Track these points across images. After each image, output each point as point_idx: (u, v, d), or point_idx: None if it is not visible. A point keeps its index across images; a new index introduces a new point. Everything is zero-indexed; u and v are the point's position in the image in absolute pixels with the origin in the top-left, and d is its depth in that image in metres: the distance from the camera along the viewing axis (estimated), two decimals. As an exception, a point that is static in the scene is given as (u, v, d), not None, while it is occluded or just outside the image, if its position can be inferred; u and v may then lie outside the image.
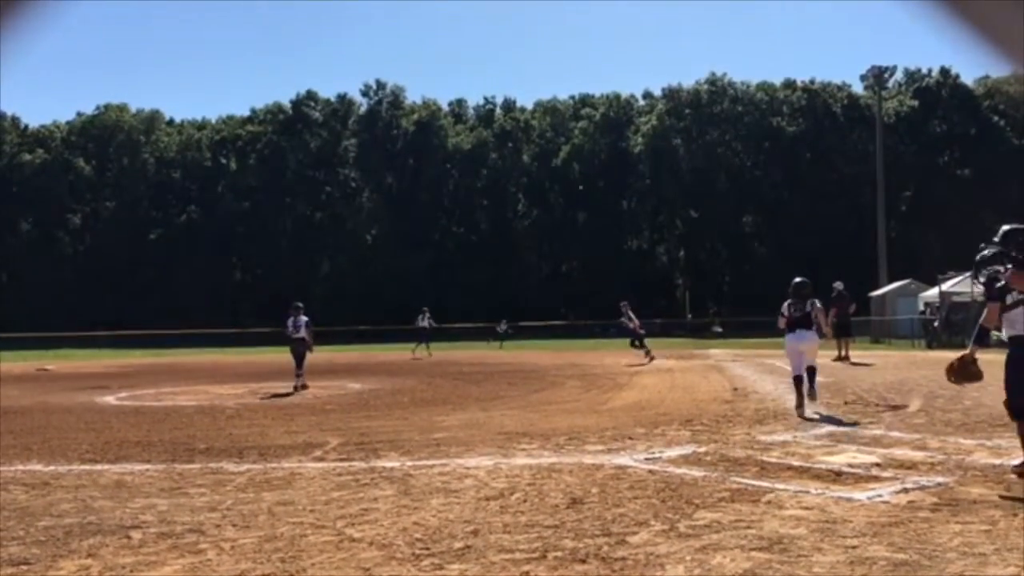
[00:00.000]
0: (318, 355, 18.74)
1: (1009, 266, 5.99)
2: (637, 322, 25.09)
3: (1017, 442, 8.02)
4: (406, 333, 48.65)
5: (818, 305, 11.55)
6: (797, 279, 11.69)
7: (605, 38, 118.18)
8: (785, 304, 11.48)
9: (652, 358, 23.50)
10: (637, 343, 24.74)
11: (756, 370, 19.37)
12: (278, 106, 73.37)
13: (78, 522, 5.39)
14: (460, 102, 76.58)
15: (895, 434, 8.51)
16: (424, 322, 33.55)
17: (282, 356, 19.03)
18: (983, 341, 6.31)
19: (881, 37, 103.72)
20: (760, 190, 65.95)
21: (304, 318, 17.38)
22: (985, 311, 5.97)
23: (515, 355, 29.90)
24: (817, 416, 10.45)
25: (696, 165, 66.62)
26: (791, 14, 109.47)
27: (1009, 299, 5.69)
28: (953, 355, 6.34)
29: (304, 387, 16.61)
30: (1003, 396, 6.22)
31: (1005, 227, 6.06)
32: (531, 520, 5.21)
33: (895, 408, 11.22)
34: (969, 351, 6.16)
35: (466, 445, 8.55)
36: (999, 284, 6.05)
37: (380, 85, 73.35)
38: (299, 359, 17.02)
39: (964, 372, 6.09)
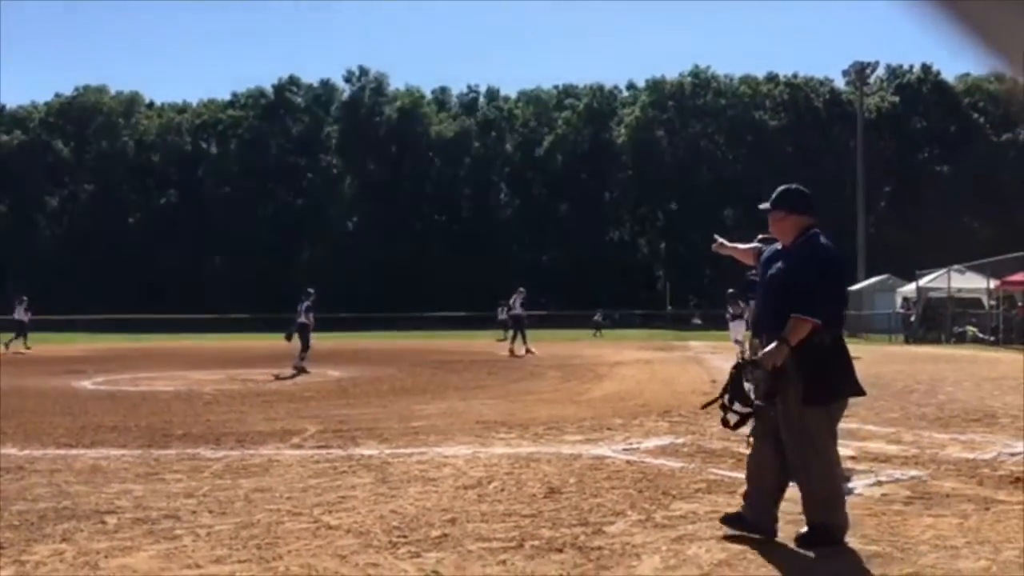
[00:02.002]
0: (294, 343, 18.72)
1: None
2: (522, 312, 25.02)
3: (990, 436, 8.14)
4: (388, 321, 48.69)
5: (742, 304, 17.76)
6: (731, 290, 19.29)
7: (590, 28, 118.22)
8: (728, 305, 19.97)
9: (512, 352, 23.55)
10: (518, 333, 24.47)
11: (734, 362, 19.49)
12: (260, 91, 72.84)
13: (52, 507, 5.35)
14: (444, 90, 76.27)
15: (870, 427, 8.59)
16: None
17: (261, 342, 18.97)
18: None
19: (863, 33, 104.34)
20: (741, 184, 66.17)
21: (307, 303, 17.81)
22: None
23: (497, 345, 29.89)
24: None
25: (678, 157, 66.76)
26: (775, 8, 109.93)
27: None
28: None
29: (301, 371, 16.94)
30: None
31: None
32: (508, 509, 5.22)
33: None
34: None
35: (444, 434, 8.56)
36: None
37: (363, 71, 72.96)
38: (303, 343, 17.51)
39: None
